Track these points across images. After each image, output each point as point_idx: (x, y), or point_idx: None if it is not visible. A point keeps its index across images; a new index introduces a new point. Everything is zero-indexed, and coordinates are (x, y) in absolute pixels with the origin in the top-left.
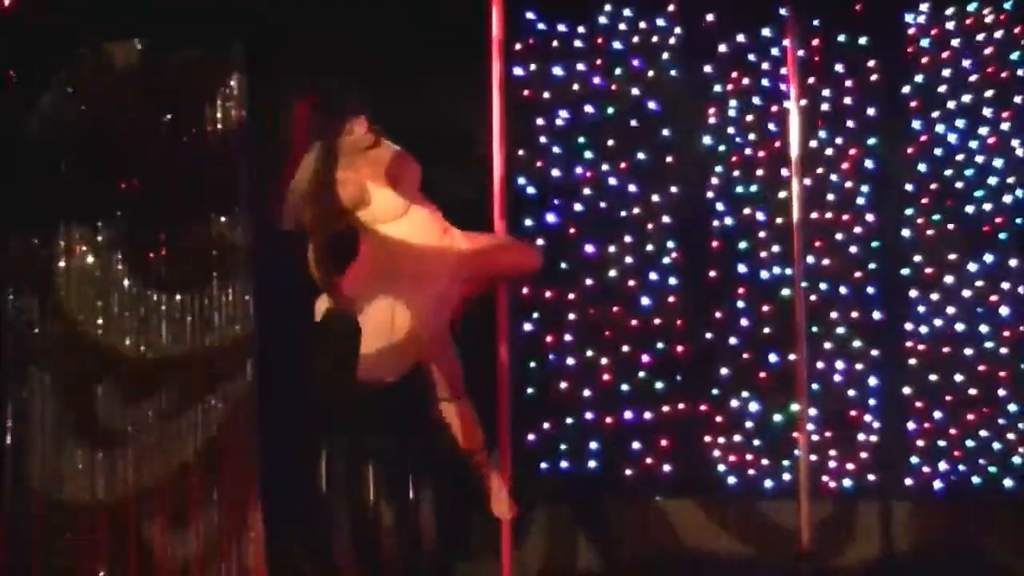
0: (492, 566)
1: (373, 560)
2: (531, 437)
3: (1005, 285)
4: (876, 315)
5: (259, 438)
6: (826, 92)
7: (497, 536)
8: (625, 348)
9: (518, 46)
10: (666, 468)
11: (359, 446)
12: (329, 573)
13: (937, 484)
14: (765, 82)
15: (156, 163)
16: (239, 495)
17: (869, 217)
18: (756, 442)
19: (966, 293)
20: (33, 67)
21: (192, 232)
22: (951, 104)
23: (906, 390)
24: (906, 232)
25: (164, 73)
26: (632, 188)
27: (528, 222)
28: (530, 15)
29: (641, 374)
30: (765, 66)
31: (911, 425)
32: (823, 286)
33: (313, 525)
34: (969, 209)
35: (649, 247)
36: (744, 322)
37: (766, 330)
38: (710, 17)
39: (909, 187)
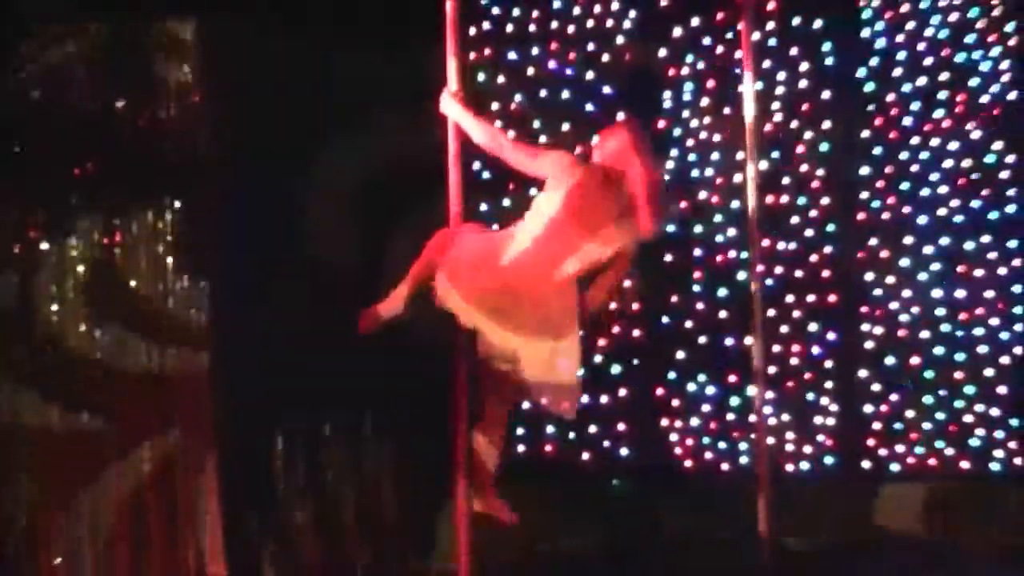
0: (451, 550)
1: (335, 542)
2: None
3: (960, 268)
4: (832, 298)
5: (216, 425)
6: (781, 75)
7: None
8: (580, 332)
9: (472, 31)
10: (623, 452)
11: (319, 429)
12: (289, 555)
13: (894, 466)
14: (720, 66)
15: (112, 145)
16: (197, 481)
17: (824, 200)
18: (713, 426)
19: (922, 276)
20: None
21: (149, 215)
22: (906, 87)
23: (862, 373)
24: (861, 215)
25: (119, 54)
26: None
27: (484, 206)
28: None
29: (597, 358)
30: (720, 50)
31: (868, 408)
32: (779, 269)
33: (273, 508)
34: (924, 192)
35: None
36: (700, 306)
37: (722, 314)
38: (664, 1)
39: (864, 170)
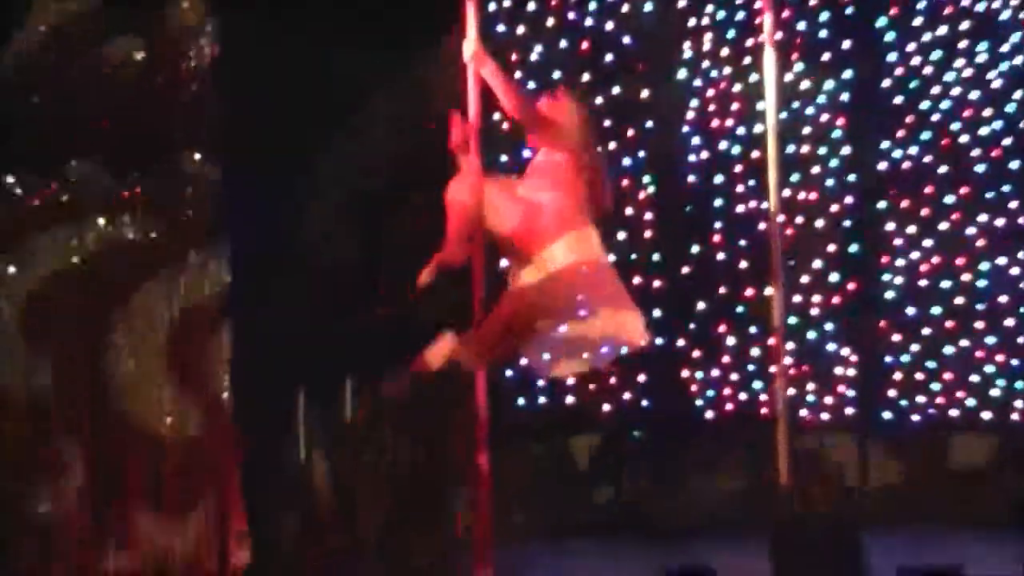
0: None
1: (350, 514)
2: (509, 373)
3: (982, 217)
4: (853, 248)
5: (235, 393)
6: (801, 25)
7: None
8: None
9: None
10: (644, 403)
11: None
12: (309, 526)
13: (915, 417)
14: (740, 16)
15: (126, 102)
16: (218, 451)
17: (845, 150)
18: (734, 376)
19: (943, 226)
20: (2, 7)
21: (163, 171)
22: (927, 36)
23: (883, 323)
24: (882, 165)
25: (134, 10)
26: (607, 123)
27: (504, 158)
28: None
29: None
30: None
31: (888, 358)
32: (799, 219)
33: (292, 481)
34: (945, 142)
35: (625, 182)
36: (721, 256)
37: (743, 264)
38: None
39: (885, 120)
